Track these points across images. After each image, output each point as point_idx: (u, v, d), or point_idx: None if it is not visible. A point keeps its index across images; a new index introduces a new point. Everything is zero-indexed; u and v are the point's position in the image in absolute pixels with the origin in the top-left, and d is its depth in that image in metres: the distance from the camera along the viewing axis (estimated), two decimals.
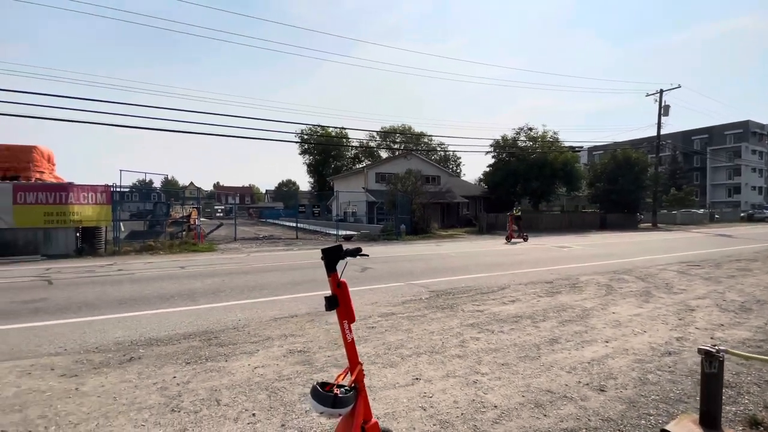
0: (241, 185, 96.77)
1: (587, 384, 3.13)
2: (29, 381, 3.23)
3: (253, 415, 2.62)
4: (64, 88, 57.92)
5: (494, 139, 34.17)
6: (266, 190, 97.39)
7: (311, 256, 12.61)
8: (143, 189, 19.05)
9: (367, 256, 2.16)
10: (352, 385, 1.89)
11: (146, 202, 17.86)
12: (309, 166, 59.82)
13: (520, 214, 18.56)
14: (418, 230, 21.04)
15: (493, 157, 35.27)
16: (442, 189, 29.97)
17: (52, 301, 6.16)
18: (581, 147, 36.77)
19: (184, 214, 19.76)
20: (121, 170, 15.71)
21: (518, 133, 34.16)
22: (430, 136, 53.81)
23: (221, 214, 26.35)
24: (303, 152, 58.42)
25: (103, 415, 2.65)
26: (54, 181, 14.54)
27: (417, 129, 56.71)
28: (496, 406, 2.76)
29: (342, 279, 1.98)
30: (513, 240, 17.13)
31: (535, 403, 2.80)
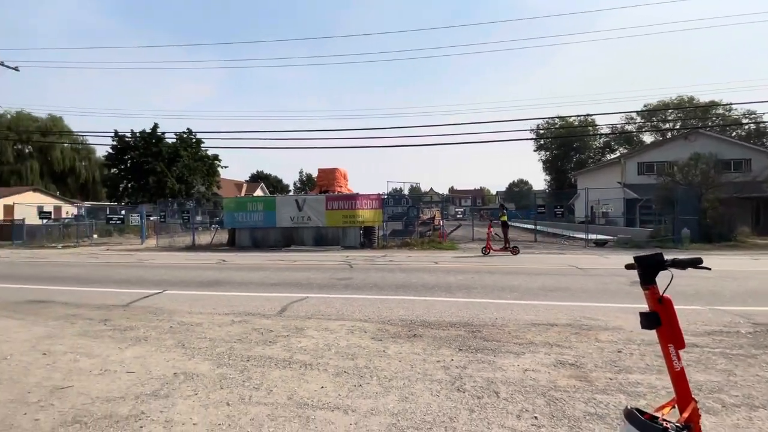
0: (472, 188, 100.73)
1: None
2: (353, 338, 4.40)
3: (536, 417, 2.58)
4: (345, 123, 77.47)
5: None
6: (496, 192, 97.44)
7: (557, 261, 11.63)
8: (396, 196, 23.53)
9: (709, 269, 1.72)
10: (683, 423, 1.55)
11: (399, 206, 21.74)
12: (545, 162, 55.89)
13: (506, 219, 14.30)
14: (711, 236, 15.72)
15: None
16: (756, 178, 21.10)
17: (354, 280, 8.25)
18: None
19: (430, 216, 22.71)
20: (388, 181, 20.16)
21: None
22: (727, 105, 39.02)
23: (461, 216, 28.49)
24: (538, 148, 55.13)
25: (405, 377, 3.27)
26: (348, 192, 19.61)
27: (702, 99, 42.69)
28: None
29: (665, 295, 1.67)
30: (492, 252, 13.49)
31: None
